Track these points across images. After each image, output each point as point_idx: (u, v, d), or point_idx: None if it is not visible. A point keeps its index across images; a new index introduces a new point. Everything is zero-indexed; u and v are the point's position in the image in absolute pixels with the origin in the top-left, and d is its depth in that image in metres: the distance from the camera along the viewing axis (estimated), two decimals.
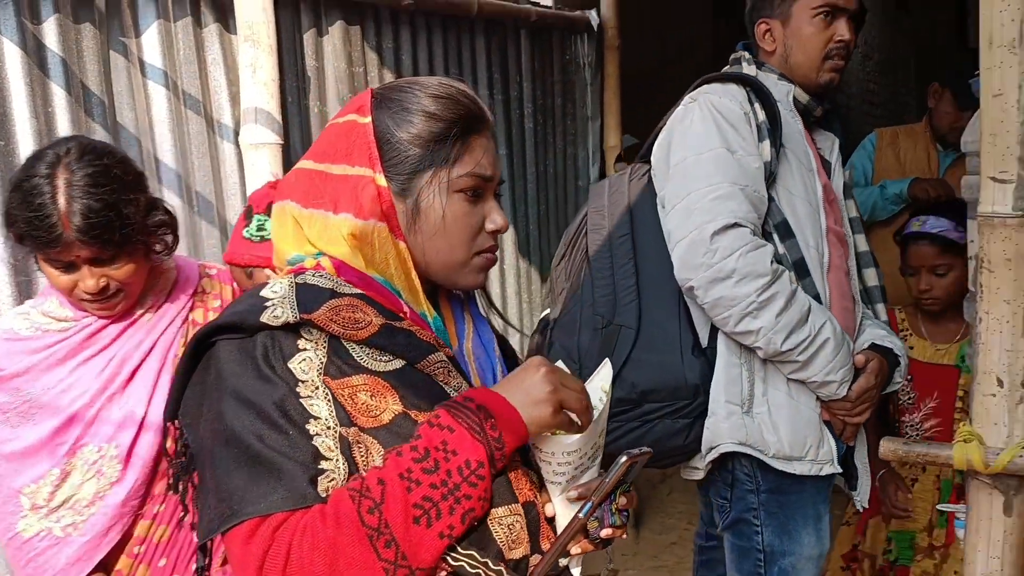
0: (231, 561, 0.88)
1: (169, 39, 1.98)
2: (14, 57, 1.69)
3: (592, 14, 3.39)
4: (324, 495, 0.87)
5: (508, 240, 3.08)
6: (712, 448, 1.67)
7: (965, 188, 1.76)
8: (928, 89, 3.05)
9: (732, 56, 1.88)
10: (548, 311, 1.83)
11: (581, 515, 0.95)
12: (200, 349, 0.95)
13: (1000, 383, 1.42)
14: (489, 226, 1.02)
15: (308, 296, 0.94)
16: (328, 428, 0.89)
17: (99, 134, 1.85)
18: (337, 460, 0.88)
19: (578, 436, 0.97)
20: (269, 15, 2.00)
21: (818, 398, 1.69)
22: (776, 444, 1.66)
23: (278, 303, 0.93)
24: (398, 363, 0.94)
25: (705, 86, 1.74)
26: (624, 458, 0.97)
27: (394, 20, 2.58)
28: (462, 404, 0.92)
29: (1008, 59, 1.36)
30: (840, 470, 1.73)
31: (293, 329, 0.92)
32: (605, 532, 0.97)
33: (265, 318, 0.91)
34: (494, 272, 3.03)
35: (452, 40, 2.81)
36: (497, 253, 3.09)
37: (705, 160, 1.64)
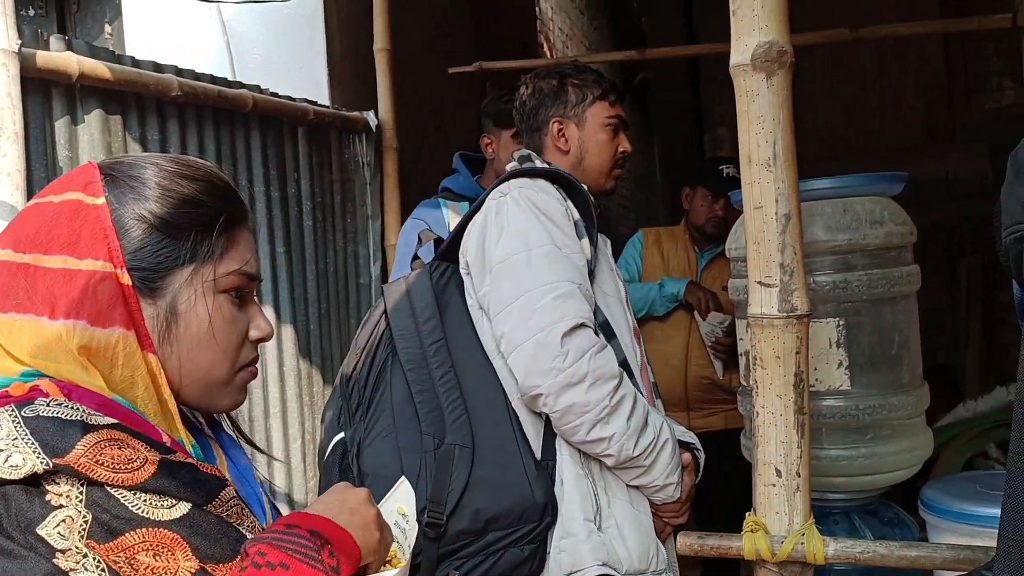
0: None
1: None
2: None
3: (370, 115, 3.40)
4: None
5: (288, 340, 2.92)
6: (573, 573, 1.53)
7: (732, 290, 1.91)
8: (681, 195, 3.35)
9: (518, 154, 1.86)
10: (341, 434, 1.61)
11: None
12: None
13: (779, 473, 1.51)
14: (254, 333, 0.90)
15: (50, 433, 0.73)
16: None
17: None
18: None
19: (397, 570, 0.89)
20: (16, 100, 1.80)
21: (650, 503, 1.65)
22: (628, 559, 1.57)
23: (13, 447, 0.71)
24: (184, 507, 0.77)
25: (514, 180, 1.68)
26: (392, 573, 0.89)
27: (160, 111, 2.42)
28: (286, 533, 0.78)
29: (765, 176, 1.50)
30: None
31: (31, 483, 0.71)
32: None
33: None
34: (273, 373, 2.85)
35: (225, 134, 2.69)
36: (273, 355, 2.88)
37: (536, 257, 1.56)
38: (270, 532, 0.80)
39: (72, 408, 0.75)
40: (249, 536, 0.80)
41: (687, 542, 1.56)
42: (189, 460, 0.80)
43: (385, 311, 1.68)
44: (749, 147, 1.51)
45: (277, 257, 2.90)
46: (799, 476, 1.50)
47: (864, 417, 2.05)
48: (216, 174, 0.90)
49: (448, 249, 1.75)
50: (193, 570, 0.74)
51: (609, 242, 1.91)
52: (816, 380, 2.02)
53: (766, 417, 1.53)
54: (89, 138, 2.16)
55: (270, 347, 2.85)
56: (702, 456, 1.78)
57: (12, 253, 0.80)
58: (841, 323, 2.03)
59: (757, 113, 1.48)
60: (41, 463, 0.70)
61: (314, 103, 3.14)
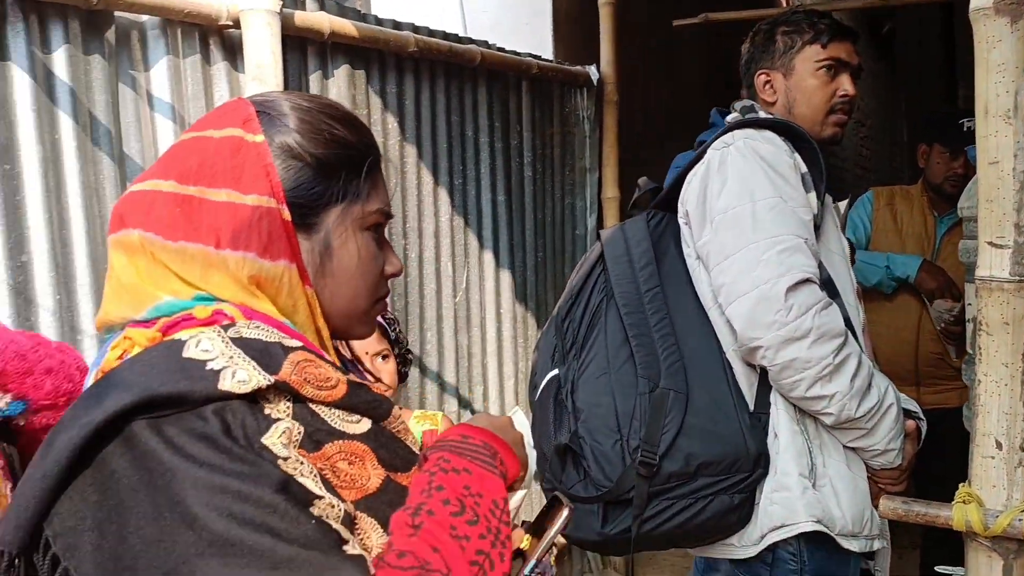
0: None
1: (178, 75, 2.00)
2: (23, 85, 1.70)
3: (592, 69, 3.45)
4: None
5: (505, 285, 3.09)
6: (784, 526, 1.53)
7: (962, 252, 1.78)
8: (917, 152, 3.10)
9: (740, 105, 1.80)
10: (555, 371, 1.65)
11: (526, 572, 0.92)
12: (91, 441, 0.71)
13: (999, 446, 1.42)
14: (389, 269, 0.93)
15: (258, 353, 0.77)
16: (332, 507, 0.72)
17: (105, 163, 1.85)
18: (353, 541, 0.73)
19: (521, 493, 0.95)
20: (277, 57, 2.02)
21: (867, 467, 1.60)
22: (841, 520, 1.54)
23: (234, 363, 0.75)
24: (367, 423, 0.82)
25: (739, 131, 1.63)
26: (567, 512, 0.95)
27: (399, 66, 2.61)
28: (462, 442, 0.85)
29: (1003, 128, 1.39)
30: (886, 544, 1.65)
31: (249, 398, 0.74)
32: None
33: (227, 385, 0.73)
34: (491, 314, 3.02)
35: (455, 88, 2.85)
36: (491, 297, 3.06)
37: (761, 210, 1.51)
38: (446, 441, 0.86)
39: (267, 331, 0.80)
40: (415, 452, 0.86)
41: (891, 506, 1.50)
42: (364, 382, 0.85)
43: (602, 256, 1.71)
44: (986, 97, 1.40)
45: (498, 205, 3.05)
46: (1022, 451, 1.40)
47: None
48: (358, 118, 0.92)
49: (666, 198, 1.74)
50: (381, 477, 0.80)
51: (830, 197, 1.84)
52: None
53: (989, 386, 1.43)
54: (337, 92, 2.39)
55: (488, 290, 3.03)
56: (924, 426, 1.69)
57: (176, 185, 0.83)
58: None
59: (998, 60, 1.37)
60: (264, 379, 0.74)
61: (538, 57, 3.24)
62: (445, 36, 2.79)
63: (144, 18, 1.94)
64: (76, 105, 1.79)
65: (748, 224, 1.52)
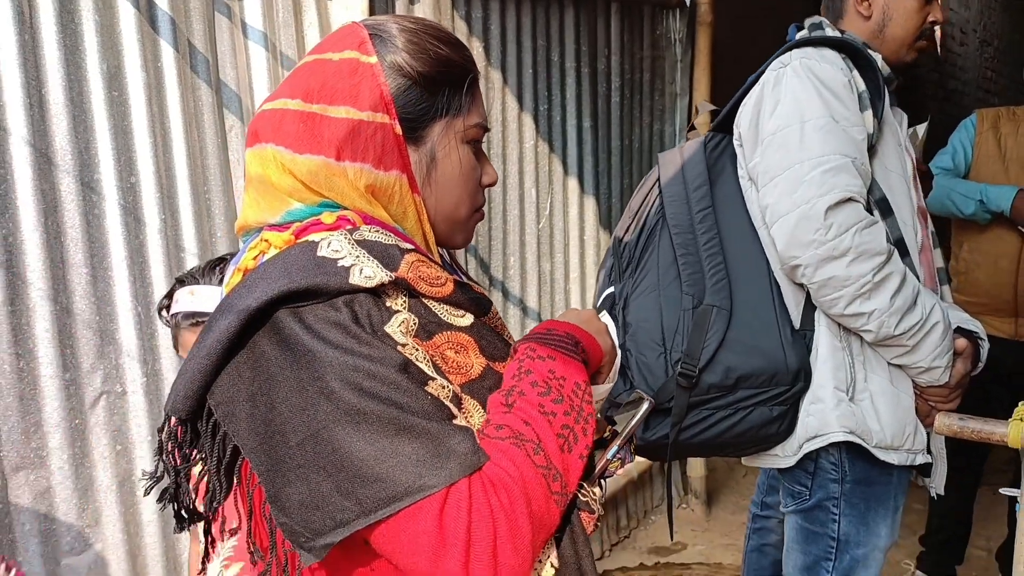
0: (401, 547, 0.76)
1: (269, 3, 2.07)
2: (128, 15, 1.80)
3: None
4: None
5: (589, 211, 3.10)
6: (817, 436, 1.60)
7: None
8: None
9: (809, 22, 1.78)
10: (612, 288, 1.73)
11: (609, 456, 1.00)
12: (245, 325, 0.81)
13: None
14: (486, 179, 0.99)
15: (379, 253, 0.85)
16: (443, 387, 0.82)
17: (203, 90, 1.95)
18: (460, 416, 0.83)
19: (608, 385, 1.02)
20: None
21: (914, 384, 1.63)
22: (879, 433, 1.59)
23: (360, 261, 0.83)
24: (470, 317, 0.91)
25: (797, 51, 1.64)
26: (647, 404, 1.03)
27: None
28: (547, 334, 0.94)
29: None
30: (930, 459, 1.68)
31: (373, 292, 0.84)
32: (621, 470, 1.02)
33: (356, 279, 0.82)
34: (574, 240, 3.05)
35: (540, 12, 2.83)
36: (575, 223, 3.10)
37: (809, 129, 1.54)
38: (533, 334, 0.96)
39: (385, 234, 0.88)
40: (509, 343, 0.98)
41: (947, 423, 1.49)
42: (467, 281, 0.94)
43: (659, 178, 1.75)
44: None
45: (583, 131, 3.05)
46: None
47: None
48: (457, 37, 0.97)
49: (725, 120, 1.76)
50: (482, 365, 0.89)
51: (905, 116, 1.79)
52: None
53: None
54: (423, 15, 2.42)
55: (572, 216, 3.05)
56: (985, 346, 1.68)
57: (302, 103, 0.90)
58: None
59: None
60: (386, 276, 0.83)
61: None
62: None
63: None
64: (176, 34, 1.88)
65: (795, 144, 1.54)
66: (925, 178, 2.17)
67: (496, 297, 2.80)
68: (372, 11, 2.17)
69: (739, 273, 1.60)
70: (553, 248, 3.00)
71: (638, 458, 1.73)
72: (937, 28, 1.73)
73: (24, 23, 1.66)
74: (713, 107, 1.85)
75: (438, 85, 0.92)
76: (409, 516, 0.75)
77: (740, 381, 1.55)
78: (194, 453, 0.88)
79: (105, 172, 1.80)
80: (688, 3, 3.36)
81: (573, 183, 3.05)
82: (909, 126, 1.88)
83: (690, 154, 1.74)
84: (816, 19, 1.78)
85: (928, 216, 1.77)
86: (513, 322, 2.86)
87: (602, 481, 1.02)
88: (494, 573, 0.75)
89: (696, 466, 3.61)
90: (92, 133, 1.78)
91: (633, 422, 1.04)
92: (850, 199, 1.50)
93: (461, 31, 2.56)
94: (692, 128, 1.87)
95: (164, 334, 1.93)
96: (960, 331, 1.65)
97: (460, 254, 2.63)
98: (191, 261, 1.95)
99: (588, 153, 3.07)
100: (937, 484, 1.75)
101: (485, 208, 2.60)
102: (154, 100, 1.85)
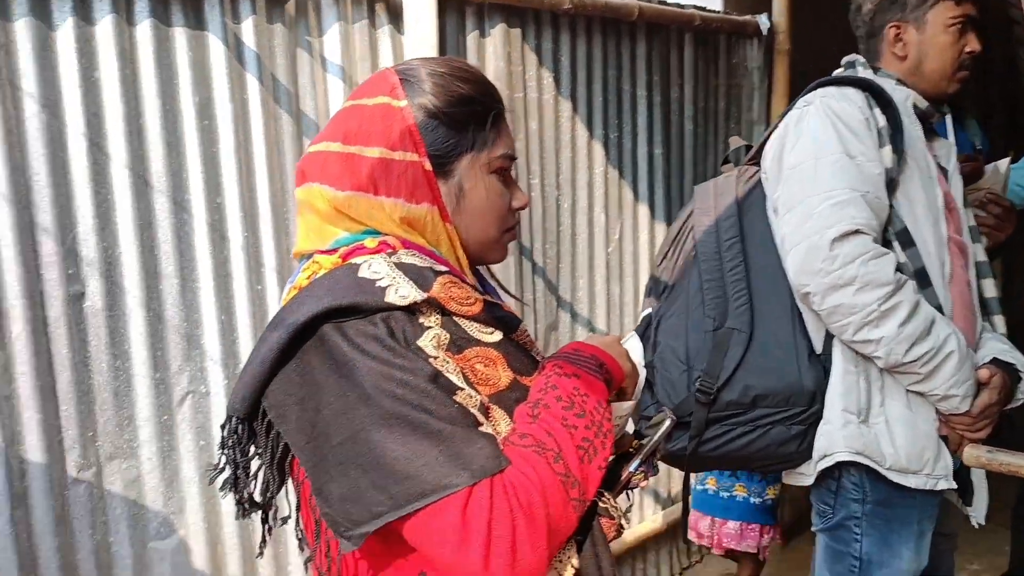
0: (428, 539, 0.84)
1: (347, 39, 2.25)
2: (218, 51, 2.00)
3: (762, 19, 3.38)
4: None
5: (660, 238, 3.15)
6: (825, 456, 1.65)
7: None
8: None
9: (845, 60, 1.87)
10: (648, 310, 1.85)
11: (632, 468, 1.07)
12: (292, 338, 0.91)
13: None
14: (515, 203, 1.08)
15: (415, 274, 0.94)
16: (470, 397, 0.90)
17: (284, 119, 2.14)
18: (486, 424, 0.90)
19: (632, 403, 1.09)
20: (433, 18, 2.22)
21: (937, 411, 1.65)
22: (893, 456, 1.63)
23: (396, 282, 0.92)
24: (498, 334, 1.00)
25: (820, 90, 1.73)
26: (668, 422, 1.09)
27: (554, 23, 2.73)
28: (573, 353, 1.03)
29: None
30: (955, 486, 1.68)
31: (408, 310, 0.92)
32: (644, 482, 1.08)
33: (391, 298, 0.91)
34: (644, 266, 3.11)
35: (612, 42, 2.93)
36: (645, 250, 3.14)
37: (823, 165, 1.62)
38: (561, 353, 1.04)
39: (421, 258, 0.98)
40: (539, 361, 1.06)
41: (975, 454, 1.48)
42: (496, 301, 1.04)
43: (693, 209, 1.86)
44: None
45: (655, 158, 3.11)
46: None
47: None
48: (482, 75, 1.07)
49: (757, 153, 1.84)
50: (510, 378, 0.97)
51: (954, 147, 1.81)
52: None
53: None
54: (493, 49, 2.56)
55: (643, 241, 3.11)
56: None
57: (342, 145, 1.00)
58: None
59: None
60: (419, 295, 0.92)
61: (703, 9, 3.23)
62: None
63: None
64: (261, 68, 2.08)
65: (810, 178, 1.62)
66: (977, 174, 2.16)
67: (564, 318, 2.89)
68: (442, 44, 2.32)
69: (762, 299, 1.68)
70: (623, 272, 3.06)
71: None
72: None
73: (126, 58, 1.88)
74: (744, 142, 1.94)
75: (463, 123, 1.01)
76: (435, 511, 0.83)
77: (758, 400, 1.63)
78: (251, 449, 0.98)
79: (195, 193, 2.01)
80: (765, 32, 3.39)
81: (644, 209, 3.11)
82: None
83: (723, 186, 1.84)
84: (852, 58, 1.87)
85: (968, 248, 1.78)
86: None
87: (628, 492, 1.10)
88: (512, 566, 0.83)
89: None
90: (183, 158, 1.99)
91: (656, 437, 1.11)
92: (857, 231, 1.57)
93: (531, 62, 2.68)
94: (726, 161, 1.96)
95: (244, 340, 2.11)
96: (996, 362, 1.66)
97: (527, 276, 2.73)
98: (270, 275, 2.13)
99: (659, 180, 3.13)
100: (978, 513, 1.74)
101: (554, 231, 2.71)
102: (240, 129, 2.05)
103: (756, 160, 1.84)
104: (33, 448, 1.83)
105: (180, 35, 1.96)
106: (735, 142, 1.96)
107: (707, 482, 2.94)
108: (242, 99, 2.06)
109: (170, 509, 2.05)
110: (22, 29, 1.75)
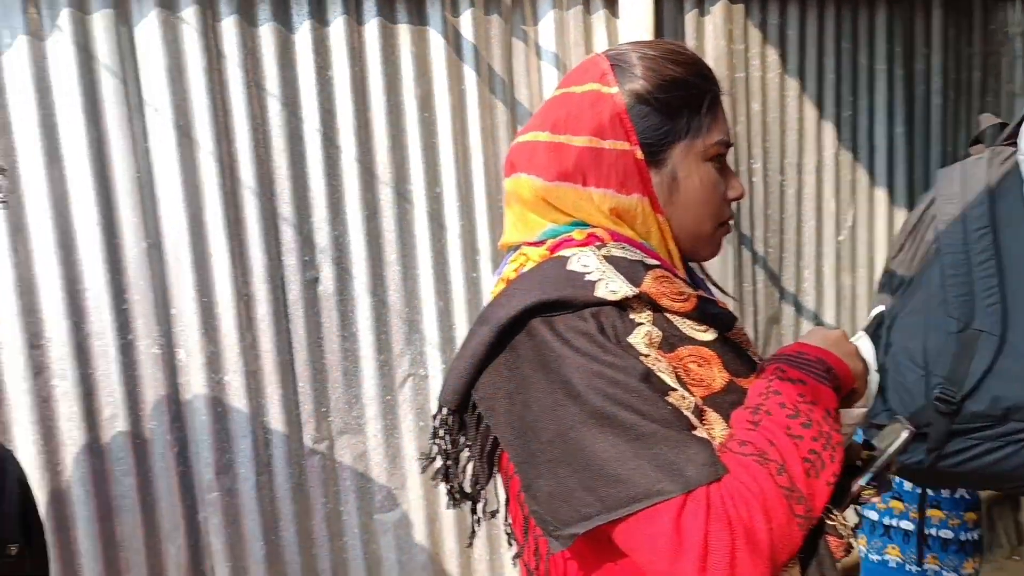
0: (640, 546, 0.80)
1: (561, 26, 2.24)
2: (438, 45, 2.07)
3: None
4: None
5: (900, 225, 2.88)
6: None
7: None
8: None
9: None
10: (881, 307, 1.67)
11: (862, 482, 0.95)
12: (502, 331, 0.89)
13: None
14: (731, 194, 1.00)
15: (625, 269, 0.90)
16: (684, 398, 0.84)
17: (499, 109, 2.18)
18: (701, 428, 0.83)
19: (863, 410, 0.97)
20: (650, 2, 2.15)
21: None
22: None
23: (606, 276, 0.88)
24: (712, 333, 0.92)
25: None
26: (906, 433, 0.96)
27: None
28: (797, 356, 0.93)
29: None
30: None
31: (618, 305, 0.88)
32: (876, 499, 0.96)
33: (601, 293, 0.87)
34: (880, 256, 2.86)
35: (847, 13, 2.71)
36: (884, 238, 2.88)
37: None
38: (784, 355, 0.94)
39: (631, 251, 0.93)
40: (756, 363, 0.97)
41: None
42: (710, 297, 0.96)
43: (935, 195, 1.64)
44: None
45: (895, 138, 2.85)
46: None
47: None
48: (697, 57, 0.98)
49: (1014, 133, 1.60)
50: (725, 379, 0.90)
51: None
52: None
53: None
54: (713, 28, 2.45)
55: (880, 229, 2.85)
56: None
57: (550, 135, 0.97)
58: None
59: None
60: (630, 290, 0.87)
61: None
62: None
63: None
64: (478, 60, 2.12)
65: None
66: None
67: (787, 310, 2.72)
68: (658, 26, 2.25)
69: (1017, 298, 1.46)
70: (856, 262, 2.83)
71: None
72: None
73: (355, 57, 2.00)
74: (998, 120, 1.67)
75: (677, 108, 0.95)
76: (647, 518, 0.78)
77: (1010, 412, 1.43)
78: (461, 440, 0.97)
79: (416, 183, 2.09)
80: None
81: (881, 194, 2.85)
82: None
83: (971, 170, 1.62)
84: None
85: None
86: None
87: (856, 507, 0.99)
88: None
89: None
90: (406, 150, 2.08)
91: (889, 451, 0.98)
92: None
93: (755, 39, 2.54)
94: (976, 142, 1.70)
95: (460, 326, 2.18)
96: None
97: (747, 266, 2.59)
98: (485, 263, 2.18)
99: (900, 161, 2.85)
100: None
101: (777, 218, 2.56)
102: (457, 120, 2.11)
103: (1013, 140, 1.60)
104: (275, 420, 1.99)
105: (404, 32, 2.04)
106: (987, 120, 1.70)
107: (887, 551, 2.53)
108: (459, 91, 2.12)
109: (393, 484, 2.16)
110: (266, 34, 1.90)
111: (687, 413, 0.82)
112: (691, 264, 1.07)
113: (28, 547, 1.22)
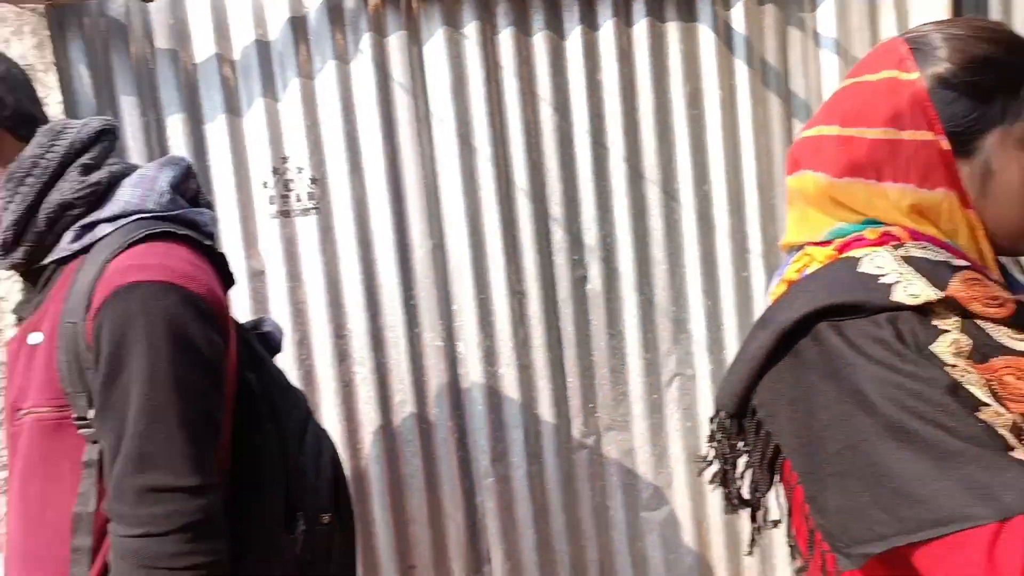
0: (945, 574, 0.73)
1: (843, 10, 2.11)
2: (708, 40, 2.04)
3: None
4: None
5: None
6: None
7: None
8: None
9: None
10: None
11: None
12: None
13: None
14: None
15: (927, 271, 0.82)
16: (999, 415, 0.74)
17: (773, 101, 2.09)
18: (1020, 449, 0.73)
19: None
20: None
21: None
22: None
23: (905, 278, 0.81)
24: None
25: None
26: None
27: None
28: None
29: None
30: None
31: (919, 310, 0.80)
32: None
33: (898, 296, 0.80)
34: None
35: None
36: None
37: None
38: None
39: (934, 251, 0.84)
40: None
41: None
42: None
43: None
44: None
45: None
46: None
47: None
48: (1014, 33, 0.88)
49: None
50: None
51: None
52: None
53: None
54: None
55: None
56: None
57: (839, 128, 0.90)
58: None
59: None
60: (933, 294, 0.79)
61: None
62: None
63: None
64: (749, 52, 2.06)
65: None
66: None
67: None
68: (958, 3, 2.04)
69: None
70: None
71: None
72: None
73: (623, 58, 2.02)
74: None
75: (989, 91, 0.86)
76: (954, 544, 0.71)
77: None
78: (739, 445, 0.93)
79: (683, 182, 2.07)
80: None
81: None
82: None
83: None
84: None
85: None
86: None
87: None
88: None
89: None
90: (673, 148, 2.07)
91: None
92: None
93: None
94: None
95: (729, 327, 2.13)
96: None
97: None
98: (755, 262, 2.11)
99: None
100: None
101: None
102: (727, 115, 2.06)
103: None
104: (545, 412, 2.08)
105: (673, 30, 2.03)
106: None
107: None
108: (730, 85, 2.07)
109: (659, 483, 2.16)
110: (539, 42, 1.99)
111: (1002, 431, 0.73)
112: (1005, 262, 0.96)
113: (338, 518, 1.37)
